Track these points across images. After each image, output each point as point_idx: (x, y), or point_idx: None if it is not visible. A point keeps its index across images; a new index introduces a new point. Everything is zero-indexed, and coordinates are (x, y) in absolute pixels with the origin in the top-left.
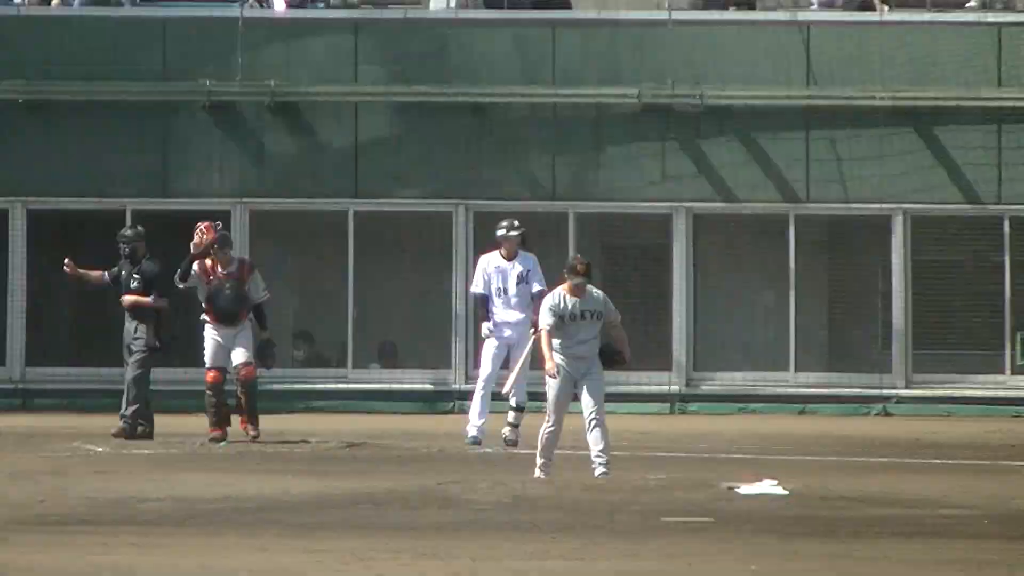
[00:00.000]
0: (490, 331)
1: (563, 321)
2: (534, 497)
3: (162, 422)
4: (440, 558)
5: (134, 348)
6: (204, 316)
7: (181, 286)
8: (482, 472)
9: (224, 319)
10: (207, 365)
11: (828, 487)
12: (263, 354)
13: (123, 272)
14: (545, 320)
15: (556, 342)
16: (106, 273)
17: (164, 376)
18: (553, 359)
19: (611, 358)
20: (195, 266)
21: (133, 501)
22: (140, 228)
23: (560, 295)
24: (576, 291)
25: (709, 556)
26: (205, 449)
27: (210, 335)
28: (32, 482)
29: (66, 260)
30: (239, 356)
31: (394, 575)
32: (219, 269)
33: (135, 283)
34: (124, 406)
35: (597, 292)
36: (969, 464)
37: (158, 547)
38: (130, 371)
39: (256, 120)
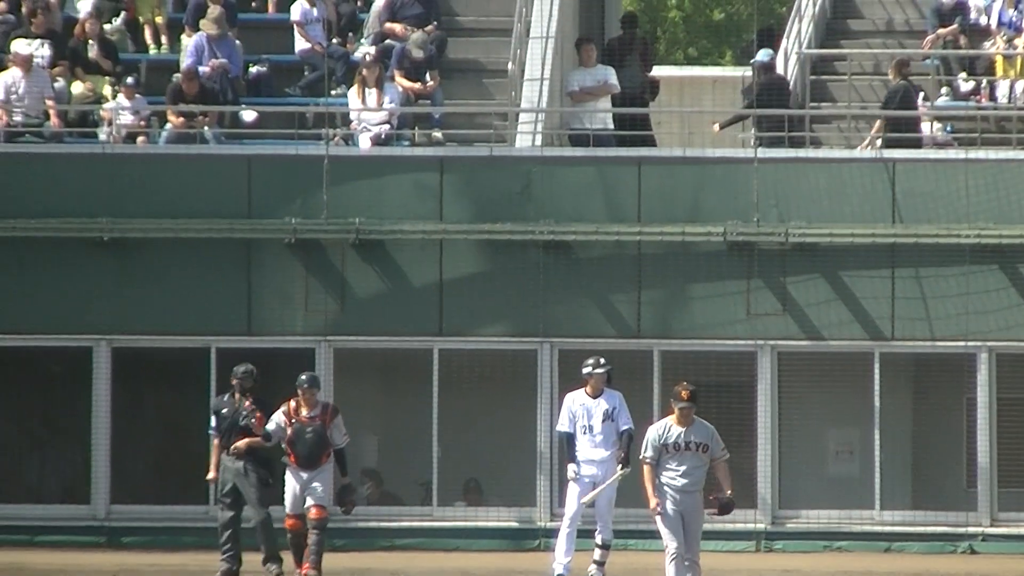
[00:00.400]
0: (576, 474)
1: (667, 450)
2: None
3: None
4: None
5: (249, 488)
6: (285, 458)
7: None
8: None
9: (305, 462)
10: (287, 511)
11: None
12: (343, 499)
13: (227, 410)
14: (647, 452)
15: (662, 474)
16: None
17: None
18: (656, 496)
19: (725, 508)
20: (280, 411)
21: None
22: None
23: (666, 425)
24: (683, 419)
25: None
26: None
27: (290, 479)
28: None
29: (209, 476)
30: (314, 496)
31: None
32: (303, 411)
33: (250, 421)
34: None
35: (706, 424)
36: None
37: None
38: (256, 513)
39: (340, 257)
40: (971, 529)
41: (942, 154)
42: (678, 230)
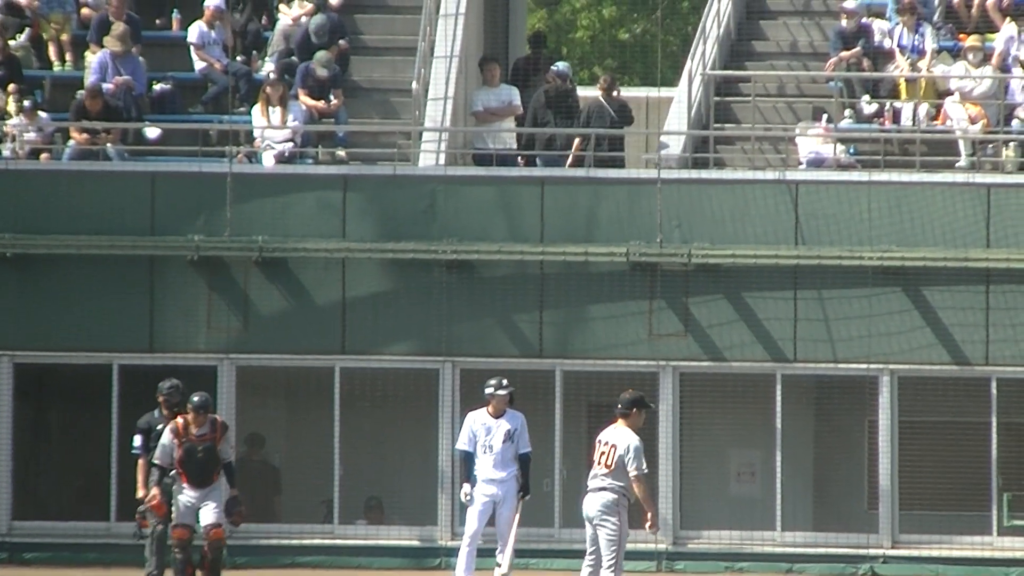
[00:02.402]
0: (468, 496)
1: None
2: None
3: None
4: None
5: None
6: (174, 475)
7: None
8: None
9: (198, 481)
10: (175, 523)
11: None
12: (231, 511)
13: (162, 426)
14: (644, 464)
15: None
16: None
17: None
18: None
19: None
20: (168, 431)
21: None
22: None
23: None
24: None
25: None
26: None
27: (181, 495)
28: None
29: (140, 495)
30: (209, 516)
31: None
32: (192, 430)
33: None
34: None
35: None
36: None
37: None
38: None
39: (244, 275)
40: (872, 551)
41: (845, 176)
42: (580, 250)
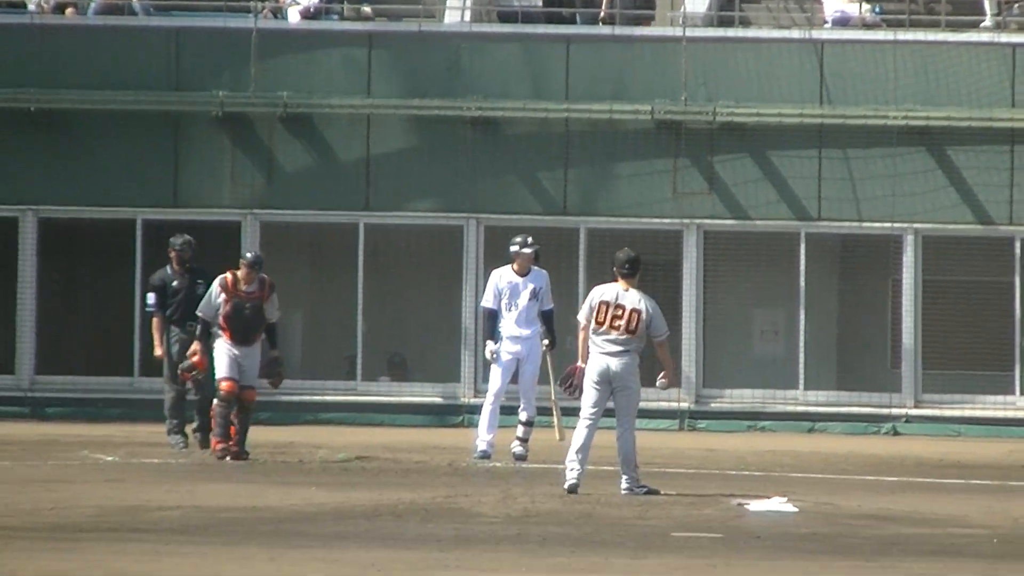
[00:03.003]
0: (493, 354)
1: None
2: (544, 512)
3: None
4: (452, 569)
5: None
6: (218, 331)
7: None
8: (492, 486)
9: (241, 339)
10: (223, 375)
11: (837, 505)
12: (271, 372)
13: (177, 283)
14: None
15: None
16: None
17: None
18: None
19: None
20: (217, 284)
21: (146, 510)
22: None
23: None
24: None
25: (728, 571)
26: (214, 460)
27: (225, 349)
28: (42, 490)
29: (157, 353)
30: (246, 379)
31: None
32: (242, 287)
33: (201, 289)
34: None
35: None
36: (979, 484)
37: (173, 555)
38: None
39: (268, 132)
40: (895, 411)
41: (871, 35)
42: (605, 108)
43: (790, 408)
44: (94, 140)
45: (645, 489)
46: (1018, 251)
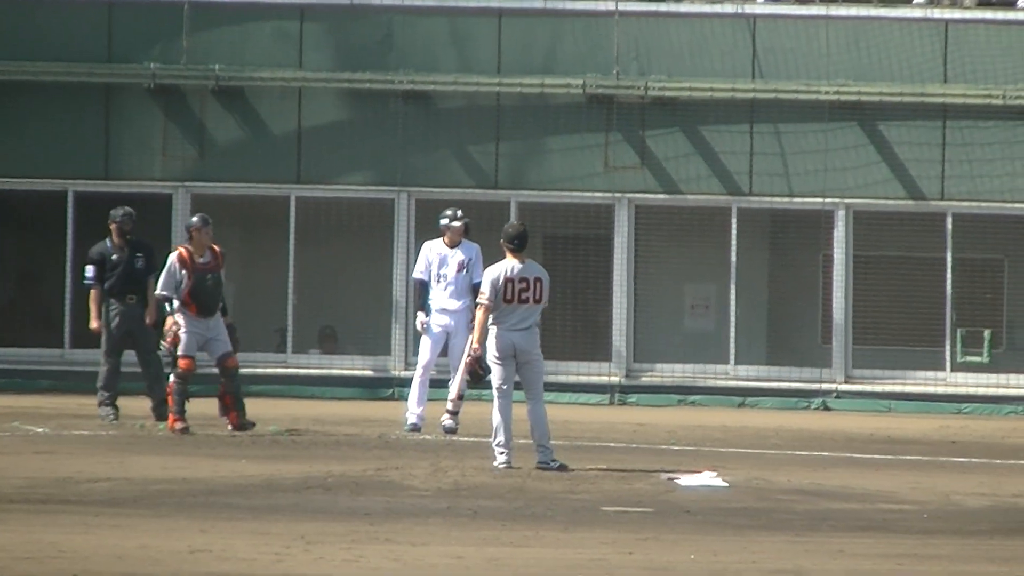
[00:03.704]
0: (424, 324)
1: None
2: (475, 485)
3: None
4: (382, 542)
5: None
6: (181, 307)
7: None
8: (422, 459)
9: (206, 311)
10: (183, 353)
11: (768, 480)
12: (232, 340)
13: (117, 256)
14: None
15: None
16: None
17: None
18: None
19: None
20: (175, 261)
21: (76, 482)
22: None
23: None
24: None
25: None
26: (146, 432)
27: (188, 325)
28: None
29: (93, 326)
30: (222, 346)
31: (334, 558)
32: (198, 258)
33: (140, 262)
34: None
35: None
36: (909, 460)
37: (102, 527)
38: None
39: (200, 104)
40: (825, 386)
41: (803, 10)
42: (537, 82)
43: (720, 383)
44: (24, 111)
45: (558, 464)
46: (949, 227)
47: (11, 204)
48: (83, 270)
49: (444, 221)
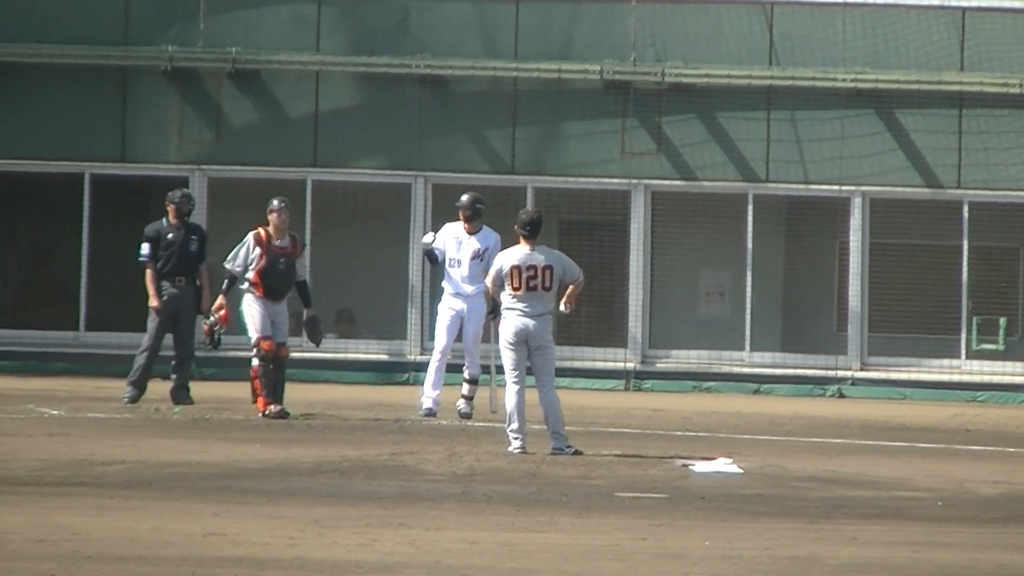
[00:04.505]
0: (432, 237)
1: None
2: (489, 470)
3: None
4: (396, 527)
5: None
6: (248, 287)
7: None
8: (437, 444)
9: (274, 295)
10: (262, 334)
11: (782, 466)
12: (314, 330)
13: (173, 235)
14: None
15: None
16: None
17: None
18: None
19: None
20: (251, 239)
21: (90, 464)
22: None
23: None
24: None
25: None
26: (160, 415)
27: (258, 307)
28: None
29: (153, 304)
30: (280, 335)
31: (348, 542)
32: (275, 241)
33: (195, 245)
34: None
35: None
36: (924, 447)
37: (116, 509)
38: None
39: (216, 87)
40: (840, 373)
41: None
42: (554, 67)
43: (736, 369)
44: (41, 94)
45: (572, 450)
46: (966, 214)
47: (28, 187)
48: (138, 247)
49: (458, 203)
